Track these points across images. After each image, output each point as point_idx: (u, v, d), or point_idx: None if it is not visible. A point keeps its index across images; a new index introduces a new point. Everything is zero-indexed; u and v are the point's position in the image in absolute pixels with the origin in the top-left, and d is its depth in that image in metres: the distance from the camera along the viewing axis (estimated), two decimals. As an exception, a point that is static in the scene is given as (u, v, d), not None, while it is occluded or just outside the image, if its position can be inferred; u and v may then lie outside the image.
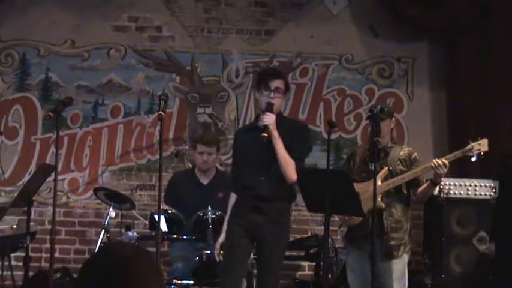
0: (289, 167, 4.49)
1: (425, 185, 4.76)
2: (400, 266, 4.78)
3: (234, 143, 4.96)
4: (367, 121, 5.00)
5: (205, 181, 5.89)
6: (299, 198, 4.76)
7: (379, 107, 4.71)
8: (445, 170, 4.63)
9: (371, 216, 4.51)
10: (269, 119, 4.45)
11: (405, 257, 4.81)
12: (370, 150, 4.73)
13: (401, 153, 4.87)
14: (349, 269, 4.93)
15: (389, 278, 4.73)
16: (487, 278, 5.78)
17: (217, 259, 4.77)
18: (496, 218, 5.71)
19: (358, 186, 4.54)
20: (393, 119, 4.94)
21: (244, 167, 4.64)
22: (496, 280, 5.55)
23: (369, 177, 4.59)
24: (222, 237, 4.73)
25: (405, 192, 4.82)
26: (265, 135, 4.40)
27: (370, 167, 4.65)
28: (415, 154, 4.87)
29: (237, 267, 4.58)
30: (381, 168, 4.72)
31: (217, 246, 4.76)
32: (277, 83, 4.57)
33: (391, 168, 4.78)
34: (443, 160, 4.64)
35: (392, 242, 4.74)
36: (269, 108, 4.50)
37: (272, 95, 4.53)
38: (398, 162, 4.81)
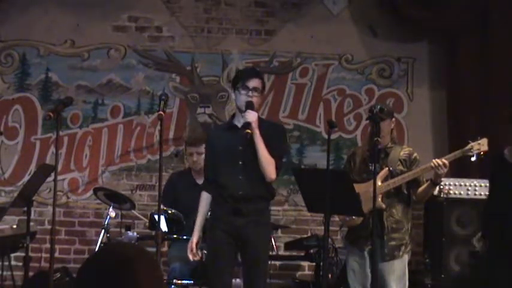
0: (270, 165, 4.46)
1: (425, 185, 4.75)
2: (400, 266, 4.77)
3: (208, 144, 4.87)
4: (367, 121, 4.99)
5: (201, 181, 5.86)
6: (299, 198, 4.75)
7: (379, 107, 4.71)
8: (445, 170, 4.63)
9: (371, 217, 4.51)
10: (251, 116, 4.41)
11: (405, 257, 4.80)
12: (370, 151, 4.72)
13: (402, 153, 4.86)
14: (350, 269, 4.92)
15: (389, 278, 4.72)
16: (479, 277, 5.76)
17: (191, 259, 4.66)
18: (486, 216, 5.67)
19: (358, 187, 4.53)
20: (393, 119, 4.93)
21: (222, 167, 4.58)
22: (487, 278, 5.52)
23: (369, 177, 4.58)
24: (195, 237, 4.65)
25: (405, 192, 4.81)
26: (249, 131, 4.38)
27: (371, 168, 4.64)
28: (415, 154, 4.86)
29: (224, 274, 4.54)
30: (381, 169, 4.72)
31: (193, 245, 4.63)
32: (255, 83, 4.52)
33: (391, 168, 4.77)
34: (443, 160, 4.63)
35: (393, 243, 4.74)
36: (250, 106, 4.46)
37: (250, 94, 4.50)
38: (399, 162, 4.81)
